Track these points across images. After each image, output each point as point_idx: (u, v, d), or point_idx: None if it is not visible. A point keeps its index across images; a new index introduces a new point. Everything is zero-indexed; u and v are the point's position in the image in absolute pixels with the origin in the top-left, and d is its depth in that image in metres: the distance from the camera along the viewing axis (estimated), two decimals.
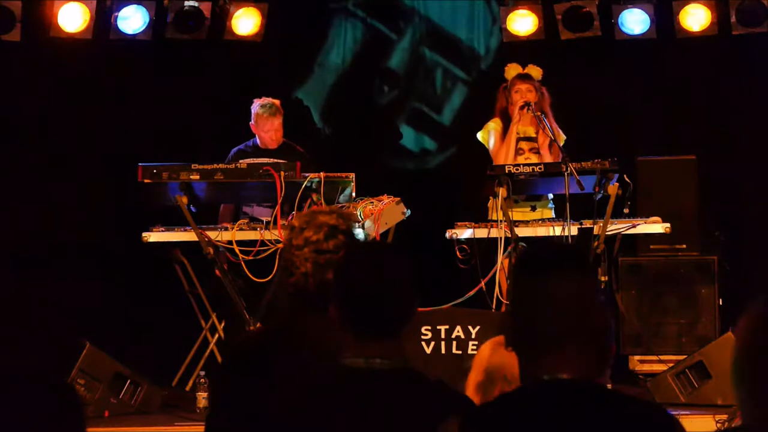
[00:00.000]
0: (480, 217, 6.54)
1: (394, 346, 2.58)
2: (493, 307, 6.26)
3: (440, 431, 2.24)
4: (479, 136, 6.97)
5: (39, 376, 1.96)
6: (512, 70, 6.94)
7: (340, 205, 6.19)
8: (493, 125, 6.92)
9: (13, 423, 1.90)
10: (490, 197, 6.57)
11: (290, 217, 5.74)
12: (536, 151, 6.88)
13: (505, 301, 6.27)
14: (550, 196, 6.89)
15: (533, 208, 6.81)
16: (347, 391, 2.54)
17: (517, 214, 6.63)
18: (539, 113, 6.70)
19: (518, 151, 6.87)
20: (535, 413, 2.16)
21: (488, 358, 3.65)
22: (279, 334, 3.21)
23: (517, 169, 6.36)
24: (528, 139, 6.90)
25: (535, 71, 6.92)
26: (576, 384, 2.18)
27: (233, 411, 3.05)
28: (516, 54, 7.64)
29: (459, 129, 8.44)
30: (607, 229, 6.27)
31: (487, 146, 6.94)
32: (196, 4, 8.01)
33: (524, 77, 6.87)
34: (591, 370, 2.22)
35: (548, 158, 6.77)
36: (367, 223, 6.14)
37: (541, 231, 6.40)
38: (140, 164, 6.26)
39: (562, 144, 6.78)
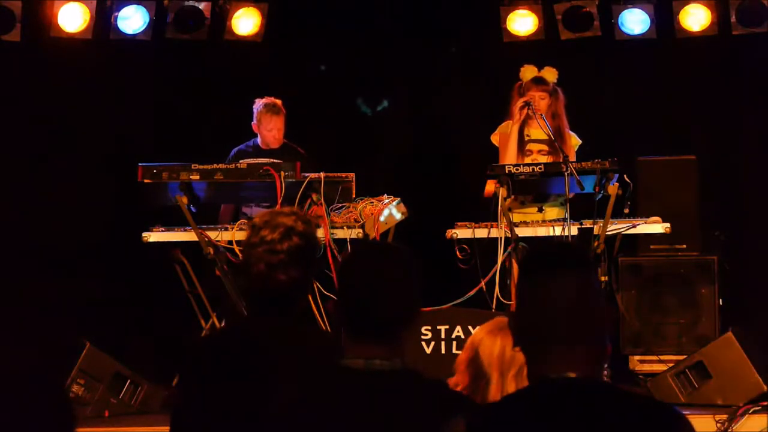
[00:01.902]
0: (481, 217, 6.54)
1: (393, 347, 2.58)
2: (493, 307, 6.25)
3: (447, 430, 2.24)
4: (492, 138, 6.94)
5: (30, 377, 1.96)
6: (528, 72, 6.88)
7: (339, 205, 6.19)
8: (505, 128, 6.88)
9: (4, 422, 1.90)
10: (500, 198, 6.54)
11: None
12: (545, 153, 6.85)
13: (504, 301, 6.27)
14: None
15: (540, 210, 6.79)
16: (346, 391, 2.54)
17: (524, 216, 6.63)
18: (539, 114, 6.69)
19: (526, 153, 6.85)
20: (544, 412, 2.17)
21: (482, 341, 3.69)
22: (233, 335, 3.23)
23: (517, 169, 6.35)
24: (538, 141, 6.88)
25: (550, 74, 6.86)
26: (583, 382, 2.19)
27: (198, 411, 3.07)
28: (516, 54, 7.65)
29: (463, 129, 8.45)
30: (607, 229, 6.26)
31: (499, 148, 6.92)
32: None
33: (539, 82, 6.82)
34: (594, 368, 2.23)
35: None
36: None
37: (541, 231, 6.40)
38: (140, 164, 6.26)
39: (576, 147, 6.78)
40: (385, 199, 6.29)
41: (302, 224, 3.15)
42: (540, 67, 6.90)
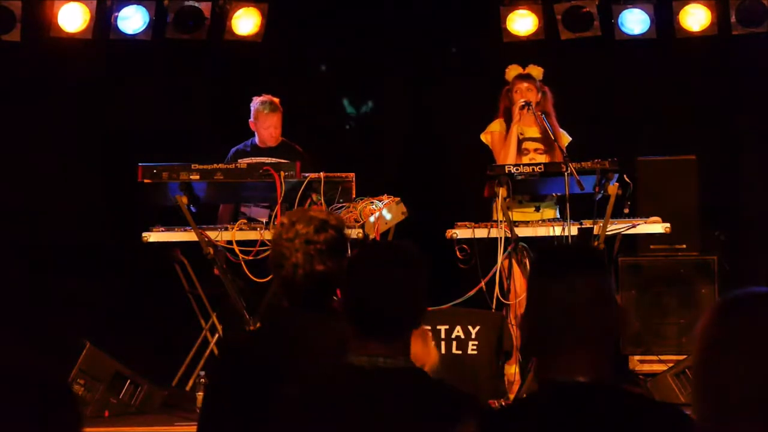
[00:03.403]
0: (481, 217, 6.54)
1: (398, 346, 2.58)
2: (493, 307, 6.25)
3: None
4: (482, 137, 6.96)
5: (35, 377, 1.96)
6: (512, 71, 6.94)
7: (339, 205, 6.19)
8: (496, 127, 6.90)
9: (8, 423, 1.90)
10: (496, 197, 6.55)
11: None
12: (541, 152, 6.86)
13: (504, 301, 6.27)
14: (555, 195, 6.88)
15: (537, 209, 6.79)
16: (350, 389, 2.54)
17: (522, 215, 6.63)
18: (539, 113, 6.70)
19: (523, 152, 6.86)
20: (553, 416, 2.16)
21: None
22: (275, 333, 3.22)
23: (517, 169, 6.35)
24: (533, 139, 6.89)
25: (536, 71, 6.91)
26: (592, 386, 2.18)
27: (230, 409, 3.06)
28: (516, 54, 7.64)
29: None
30: (607, 229, 6.26)
31: (490, 147, 6.93)
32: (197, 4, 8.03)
33: (524, 77, 6.87)
34: (603, 371, 2.21)
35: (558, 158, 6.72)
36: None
37: (542, 231, 6.40)
38: (140, 164, 6.26)
39: (566, 145, 6.79)
40: (386, 198, 6.28)
41: (334, 219, 3.20)
42: (525, 66, 6.94)
